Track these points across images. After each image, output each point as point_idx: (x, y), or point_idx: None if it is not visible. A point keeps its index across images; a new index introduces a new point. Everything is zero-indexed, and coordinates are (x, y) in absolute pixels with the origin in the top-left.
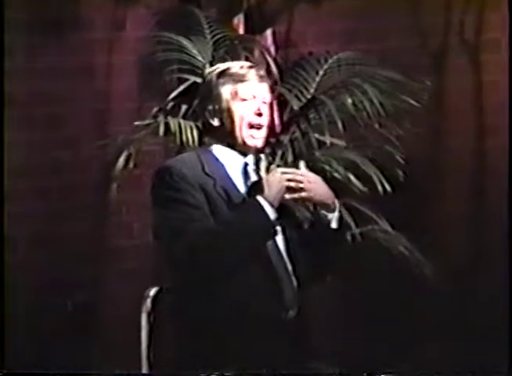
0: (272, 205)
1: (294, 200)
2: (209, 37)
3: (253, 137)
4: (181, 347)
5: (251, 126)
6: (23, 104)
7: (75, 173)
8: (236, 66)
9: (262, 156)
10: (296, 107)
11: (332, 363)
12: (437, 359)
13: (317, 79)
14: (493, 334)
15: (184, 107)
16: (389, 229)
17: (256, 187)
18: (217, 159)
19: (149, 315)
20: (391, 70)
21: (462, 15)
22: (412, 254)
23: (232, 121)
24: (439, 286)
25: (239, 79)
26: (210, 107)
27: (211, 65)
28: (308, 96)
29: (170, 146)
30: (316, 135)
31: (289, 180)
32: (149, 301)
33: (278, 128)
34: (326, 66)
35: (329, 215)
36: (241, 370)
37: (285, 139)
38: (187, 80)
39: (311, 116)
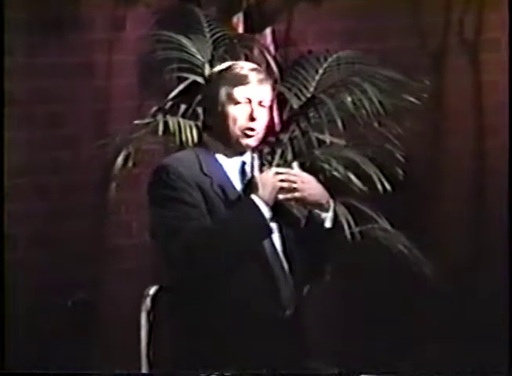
0: (266, 204)
1: (288, 200)
2: (208, 35)
3: (246, 137)
4: (179, 346)
5: (243, 129)
6: (23, 103)
7: (75, 172)
8: (237, 68)
9: (255, 155)
10: (296, 106)
11: (331, 363)
12: (437, 359)
13: (317, 78)
14: (493, 333)
15: (183, 106)
16: (389, 227)
17: (251, 186)
18: (215, 158)
19: (148, 314)
20: (391, 70)
21: (462, 15)
22: (412, 252)
23: (226, 124)
24: (439, 285)
25: (236, 82)
26: (208, 107)
27: (211, 64)
28: (308, 95)
29: (169, 145)
30: (316, 134)
31: (282, 180)
32: (148, 300)
33: (277, 127)
34: (325, 65)
35: (323, 215)
36: (240, 369)
37: (284, 137)
38: (187, 79)
39: (311, 115)
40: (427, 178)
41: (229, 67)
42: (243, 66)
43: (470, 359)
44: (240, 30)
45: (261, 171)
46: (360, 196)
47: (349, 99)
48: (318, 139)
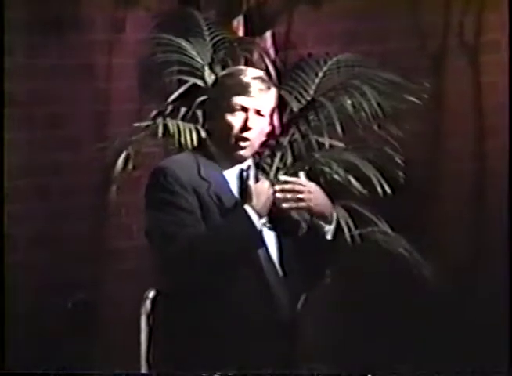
0: (259, 214)
1: (292, 209)
2: (208, 39)
3: (239, 149)
4: (177, 350)
5: (237, 139)
6: (23, 104)
7: (75, 174)
8: (239, 75)
9: (251, 164)
10: (295, 109)
11: (332, 365)
12: (437, 360)
13: (317, 81)
14: (493, 334)
15: (183, 109)
16: (389, 230)
17: (246, 195)
18: (214, 162)
19: (148, 317)
20: (391, 72)
21: (461, 16)
22: (412, 255)
23: (223, 131)
24: (439, 287)
25: (236, 89)
26: (208, 112)
27: (210, 67)
28: (308, 98)
29: (169, 148)
30: (316, 137)
31: (288, 190)
32: (148, 303)
33: (277, 130)
34: (325, 68)
35: (326, 227)
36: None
37: (284, 140)
38: (186, 82)
39: (311, 118)
40: (427, 180)
41: (233, 74)
42: (247, 74)
43: (470, 359)
44: (240, 33)
45: (257, 179)
46: (360, 199)
47: (349, 102)
48: (318, 142)
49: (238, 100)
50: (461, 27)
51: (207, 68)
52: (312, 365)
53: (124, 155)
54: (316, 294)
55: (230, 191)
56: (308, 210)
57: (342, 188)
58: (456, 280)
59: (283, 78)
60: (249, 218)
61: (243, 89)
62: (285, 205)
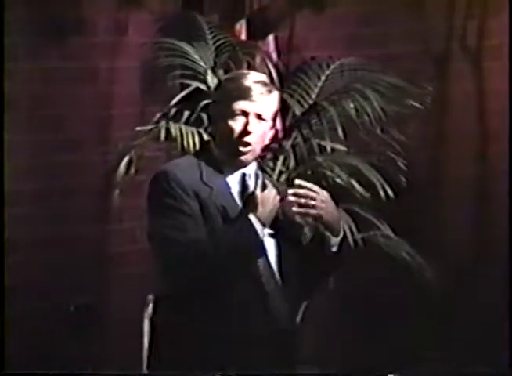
0: (263, 223)
1: (302, 214)
2: (211, 42)
3: (241, 152)
4: (178, 353)
5: (237, 144)
6: (24, 107)
7: (76, 177)
8: (242, 79)
9: (260, 172)
10: (298, 113)
11: (332, 367)
12: (439, 361)
13: (319, 85)
14: (494, 337)
15: (186, 113)
16: (391, 234)
17: (251, 203)
18: (217, 166)
19: (151, 320)
20: (393, 76)
21: (464, 21)
22: (414, 259)
23: (225, 135)
24: (441, 291)
25: (238, 94)
26: (212, 115)
27: (213, 71)
28: (310, 102)
29: (172, 152)
30: (318, 141)
31: (301, 195)
32: (150, 307)
33: (280, 134)
34: (328, 72)
35: (333, 240)
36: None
37: (287, 144)
38: (189, 85)
39: (313, 121)
40: (429, 184)
41: (234, 78)
42: (248, 78)
43: (471, 361)
44: (243, 37)
45: (263, 187)
46: (362, 202)
47: (351, 105)
48: (320, 146)
49: (239, 104)
50: (463, 31)
51: (209, 72)
52: (313, 367)
53: (126, 159)
54: (318, 298)
55: (232, 197)
56: (318, 218)
57: (344, 192)
58: (458, 283)
59: (285, 82)
60: (253, 227)
61: (244, 93)
62: (295, 210)
